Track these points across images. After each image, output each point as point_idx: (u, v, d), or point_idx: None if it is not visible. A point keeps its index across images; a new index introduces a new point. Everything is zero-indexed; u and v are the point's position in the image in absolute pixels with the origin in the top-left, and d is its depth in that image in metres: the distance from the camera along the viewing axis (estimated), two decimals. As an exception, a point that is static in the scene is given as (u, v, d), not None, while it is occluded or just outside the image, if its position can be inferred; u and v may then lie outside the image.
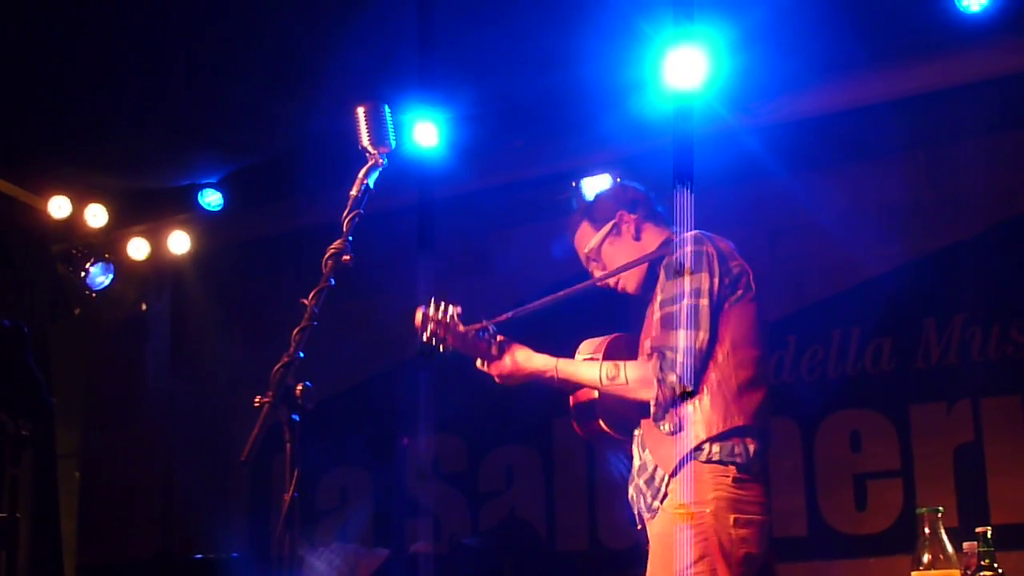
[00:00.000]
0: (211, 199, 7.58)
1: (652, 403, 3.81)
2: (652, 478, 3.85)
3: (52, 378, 7.23)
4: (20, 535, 4.60)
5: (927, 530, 3.30)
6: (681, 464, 3.75)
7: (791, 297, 6.63)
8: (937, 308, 6.28)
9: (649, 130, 6.24)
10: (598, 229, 4.18)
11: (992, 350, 6.13)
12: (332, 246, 2.97)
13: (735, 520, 3.73)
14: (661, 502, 3.81)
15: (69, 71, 6.32)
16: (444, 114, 6.62)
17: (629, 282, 4.15)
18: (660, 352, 3.78)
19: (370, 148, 3.18)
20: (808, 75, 6.10)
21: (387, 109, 3.23)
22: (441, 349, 3.93)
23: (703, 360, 3.77)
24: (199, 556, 7.31)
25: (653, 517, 3.84)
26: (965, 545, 3.51)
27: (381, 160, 3.18)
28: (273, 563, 2.77)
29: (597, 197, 4.36)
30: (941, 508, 3.34)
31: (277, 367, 2.79)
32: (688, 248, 3.87)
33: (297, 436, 2.80)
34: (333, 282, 2.97)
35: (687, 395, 3.74)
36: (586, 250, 4.22)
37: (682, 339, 3.75)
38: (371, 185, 3.16)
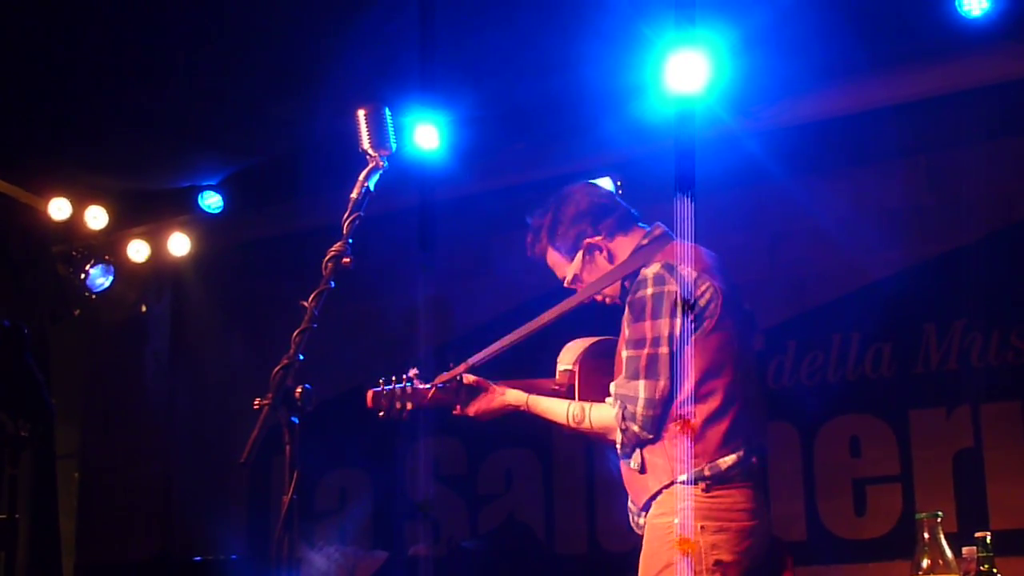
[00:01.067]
0: (211, 201, 7.58)
1: (617, 445, 3.90)
2: (641, 469, 3.91)
3: (52, 379, 7.24)
4: (19, 536, 4.60)
5: (926, 535, 3.30)
6: (649, 501, 3.87)
7: (791, 302, 6.63)
8: (937, 313, 6.28)
9: (650, 134, 6.24)
10: (569, 259, 4.13)
11: (992, 356, 6.12)
12: (332, 248, 2.97)
13: (702, 528, 3.74)
14: (644, 518, 3.91)
15: (70, 73, 6.32)
16: (445, 117, 6.62)
17: (609, 298, 4.16)
18: (622, 402, 3.83)
19: (371, 151, 3.18)
20: (810, 79, 6.11)
21: (388, 112, 3.23)
22: (404, 418, 4.08)
23: (664, 407, 3.80)
24: (198, 558, 7.31)
25: (642, 532, 3.92)
26: (964, 550, 3.50)
27: (382, 163, 3.18)
28: (272, 565, 2.76)
29: (556, 218, 4.15)
30: (940, 513, 3.33)
31: (277, 369, 2.79)
32: (648, 291, 3.85)
33: (296, 438, 2.80)
34: (333, 284, 2.97)
35: (648, 442, 3.82)
36: (566, 277, 4.18)
37: (642, 390, 3.79)
38: (371, 188, 3.16)
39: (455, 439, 7.53)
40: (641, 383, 3.79)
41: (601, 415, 3.93)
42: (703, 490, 3.77)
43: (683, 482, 3.78)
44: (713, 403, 3.83)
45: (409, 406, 4.09)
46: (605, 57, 5.92)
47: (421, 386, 4.13)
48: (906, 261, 6.38)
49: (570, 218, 4.11)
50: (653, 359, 3.80)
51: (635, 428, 3.80)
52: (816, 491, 6.50)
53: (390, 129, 3.22)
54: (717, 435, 3.82)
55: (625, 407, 3.82)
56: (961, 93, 6.12)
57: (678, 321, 3.81)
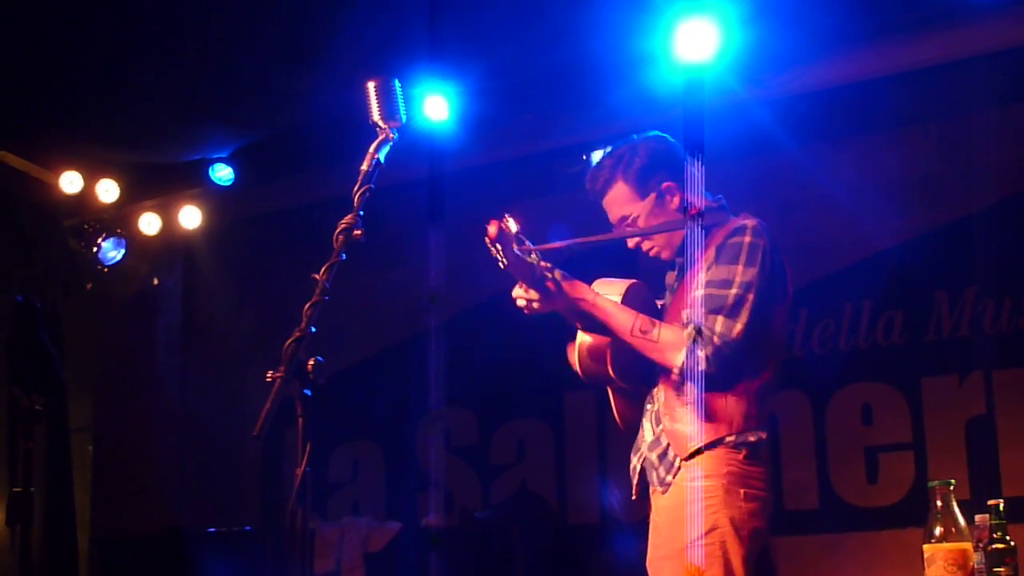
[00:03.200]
0: (222, 173, 7.58)
1: (675, 370, 3.78)
2: (665, 454, 3.87)
3: (64, 353, 7.24)
4: (34, 509, 4.62)
5: (939, 503, 3.30)
6: (694, 453, 3.79)
7: (802, 270, 6.59)
8: (949, 281, 6.27)
9: (660, 103, 6.22)
10: (641, 196, 4.05)
11: (1004, 323, 6.12)
12: (343, 221, 2.97)
13: (744, 494, 3.76)
14: (674, 476, 3.84)
15: (80, 46, 6.32)
16: (454, 87, 6.61)
17: (665, 249, 4.10)
18: (698, 328, 3.76)
19: (381, 123, 3.17)
20: (820, 47, 6.08)
21: (397, 84, 3.23)
22: (502, 266, 3.81)
23: (734, 351, 3.75)
24: (212, 529, 7.34)
25: (666, 491, 3.86)
26: (977, 518, 3.51)
27: (392, 135, 3.17)
28: (285, 536, 2.77)
29: (637, 153, 4.10)
30: (953, 481, 3.34)
31: (289, 342, 2.79)
32: (747, 239, 3.85)
33: (309, 411, 2.80)
34: (344, 257, 2.97)
35: (712, 384, 3.75)
36: (625, 216, 4.09)
37: (720, 325, 3.74)
38: (382, 160, 3.16)
39: (467, 410, 7.56)
40: (720, 319, 3.75)
41: (671, 334, 3.80)
42: (744, 457, 3.78)
43: (730, 443, 3.78)
44: (768, 373, 3.88)
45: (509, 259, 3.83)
46: (614, 26, 5.90)
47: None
48: (917, 229, 6.37)
49: (652, 158, 4.08)
50: (740, 300, 3.77)
51: (703, 354, 3.72)
52: (828, 459, 6.51)
53: (400, 101, 3.21)
54: (764, 405, 3.86)
55: (701, 332, 3.75)
56: (971, 59, 6.09)
57: (766, 279, 3.83)
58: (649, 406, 4.00)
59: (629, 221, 4.06)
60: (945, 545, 3.25)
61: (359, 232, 3.00)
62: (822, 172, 6.42)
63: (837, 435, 6.50)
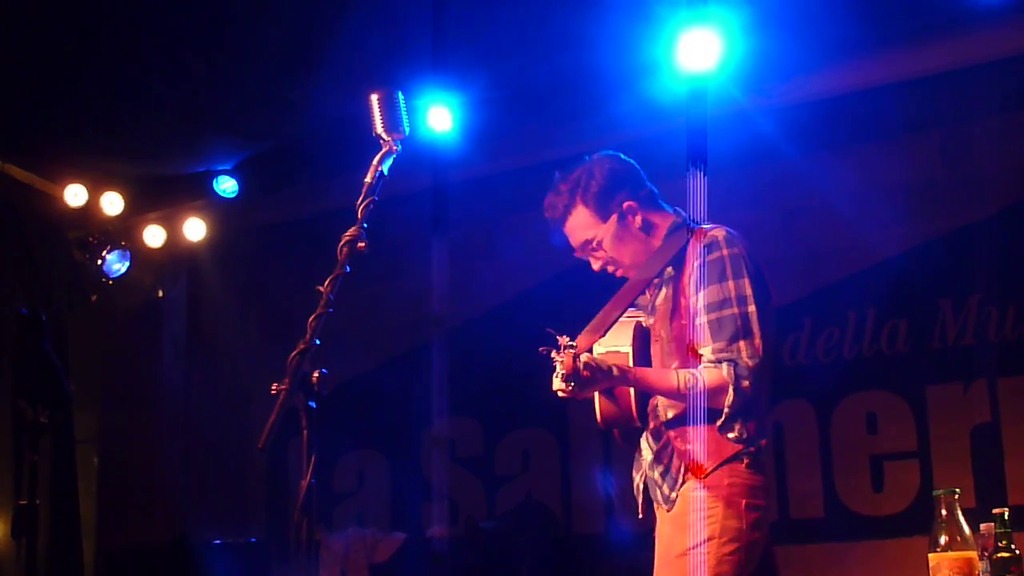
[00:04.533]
0: (226, 185, 7.59)
1: (725, 410, 3.73)
2: (668, 470, 3.85)
3: (69, 365, 7.26)
4: (40, 521, 4.62)
5: (944, 511, 3.30)
6: (712, 470, 3.77)
7: (806, 279, 6.62)
8: (953, 289, 6.27)
9: (662, 112, 6.23)
10: (603, 219, 4.00)
11: (1008, 330, 6.11)
12: (347, 233, 2.98)
13: (746, 505, 3.74)
14: (678, 491, 3.83)
15: (84, 59, 6.33)
16: (458, 98, 6.62)
17: (631, 269, 4.02)
18: (732, 362, 3.73)
19: (384, 135, 3.18)
20: (822, 56, 6.09)
21: (401, 96, 3.24)
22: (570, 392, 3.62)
23: (762, 369, 3.76)
24: (217, 541, 7.34)
25: (671, 508, 3.83)
26: (982, 526, 3.51)
27: (395, 147, 3.18)
28: (291, 547, 2.78)
29: (594, 176, 4.04)
30: (958, 489, 3.33)
31: (293, 354, 2.80)
32: (724, 251, 3.82)
33: (314, 422, 2.81)
34: (348, 269, 2.97)
35: (747, 401, 3.74)
36: (588, 240, 4.04)
37: (746, 350, 3.73)
38: (385, 172, 3.16)
39: (472, 420, 7.55)
40: (743, 344, 3.74)
41: (712, 376, 3.73)
42: (747, 466, 3.76)
43: (739, 453, 3.76)
44: (768, 379, 3.86)
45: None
46: (617, 36, 5.91)
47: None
48: (920, 236, 6.37)
49: (609, 179, 4.04)
50: (746, 318, 3.76)
51: (747, 384, 3.70)
52: (833, 468, 6.50)
53: (403, 113, 3.23)
54: (767, 412, 3.87)
55: (736, 366, 3.72)
56: (973, 67, 6.10)
57: (756, 286, 3.81)
58: (652, 423, 3.95)
59: (593, 245, 4.03)
60: (950, 554, 3.24)
61: (363, 244, 3.00)
62: (824, 180, 6.42)
63: (842, 444, 6.50)
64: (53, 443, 7.29)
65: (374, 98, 3.19)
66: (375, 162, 3.14)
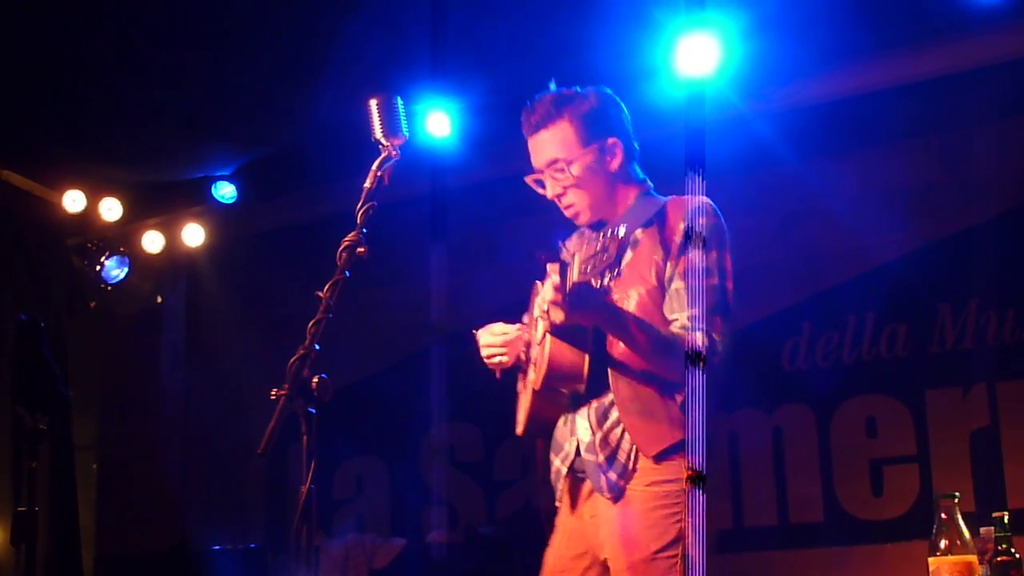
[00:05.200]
0: (225, 191, 7.60)
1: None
2: (615, 453, 3.55)
3: (68, 371, 7.26)
4: (39, 528, 4.62)
5: (944, 515, 3.29)
6: (666, 451, 3.51)
7: (805, 283, 6.62)
8: (951, 293, 6.27)
9: (661, 117, 6.21)
10: (583, 143, 3.69)
11: (1007, 334, 6.12)
12: (346, 238, 2.98)
13: (706, 500, 3.49)
14: (628, 481, 3.54)
15: (82, 65, 6.33)
16: (456, 104, 6.62)
17: (585, 212, 3.75)
18: (708, 333, 3.50)
19: (383, 140, 3.18)
20: (820, 61, 6.10)
21: (400, 101, 3.24)
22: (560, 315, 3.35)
23: (727, 348, 3.57)
24: (217, 547, 7.33)
25: (616, 498, 3.54)
26: (982, 530, 3.51)
27: (394, 152, 3.18)
28: (290, 553, 2.77)
29: (588, 100, 3.79)
30: (958, 493, 3.33)
31: (293, 359, 2.80)
32: (714, 220, 3.63)
33: (313, 428, 2.81)
34: (348, 274, 2.97)
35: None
36: (558, 159, 3.72)
37: (720, 325, 3.54)
38: (384, 177, 3.16)
39: (472, 425, 7.55)
40: (719, 318, 3.54)
41: (686, 342, 3.48)
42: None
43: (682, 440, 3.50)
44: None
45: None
46: (615, 41, 5.91)
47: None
48: (919, 241, 6.37)
49: (604, 108, 3.80)
50: (725, 293, 3.58)
51: (716, 362, 3.50)
52: (833, 472, 6.50)
53: (402, 118, 3.23)
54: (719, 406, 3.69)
55: (711, 338, 3.49)
56: (971, 72, 6.11)
57: (732, 260, 3.66)
58: (595, 402, 3.61)
59: (560, 165, 3.72)
60: (950, 558, 3.24)
61: (363, 249, 3.00)
62: (823, 185, 6.43)
63: (841, 448, 6.49)
64: (52, 449, 7.29)
65: (373, 103, 3.19)
66: (374, 167, 3.14)
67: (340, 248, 2.96)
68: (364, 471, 7.89)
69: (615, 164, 3.75)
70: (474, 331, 3.91)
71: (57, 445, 7.45)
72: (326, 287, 2.92)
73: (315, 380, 2.80)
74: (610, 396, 3.58)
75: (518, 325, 3.90)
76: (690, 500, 3.44)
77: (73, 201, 7.64)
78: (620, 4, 5.69)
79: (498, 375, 3.94)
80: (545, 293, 3.33)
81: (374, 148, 3.21)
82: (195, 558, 7.31)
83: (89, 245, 8.00)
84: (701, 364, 3.49)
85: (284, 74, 6.46)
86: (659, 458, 3.52)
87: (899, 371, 6.39)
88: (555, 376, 3.58)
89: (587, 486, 3.67)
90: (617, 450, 3.57)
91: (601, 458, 3.57)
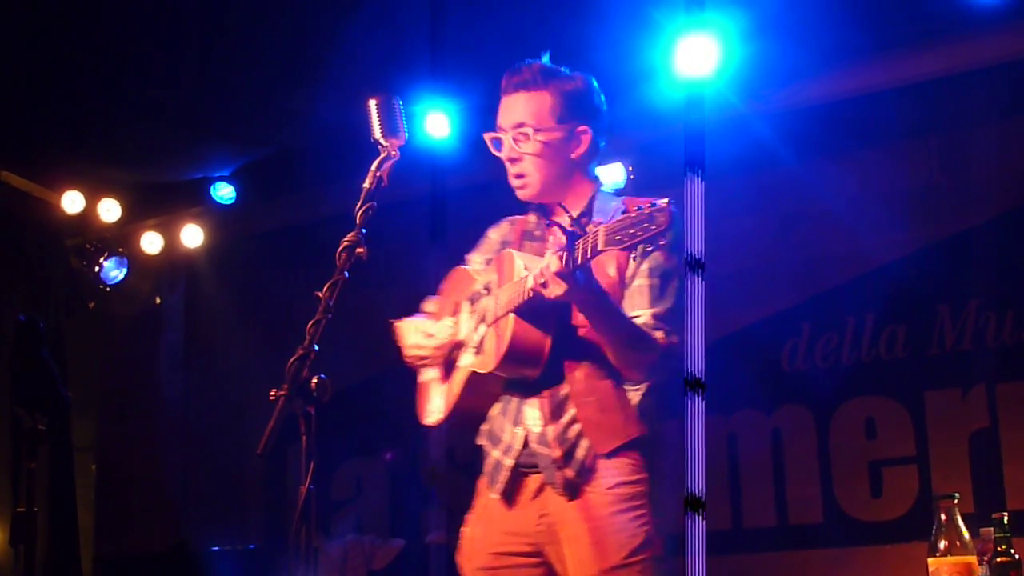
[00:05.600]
0: (224, 192, 7.60)
1: (646, 381, 3.45)
2: (574, 448, 3.41)
3: (67, 372, 7.26)
4: (38, 529, 4.62)
5: (943, 516, 3.29)
6: (621, 448, 3.40)
7: (804, 284, 6.62)
8: (951, 294, 6.27)
9: (660, 118, 6.23)
10: (557, 120, 3.61)
11: (1007, 336, 6.12)
12: (346, 239, 2.97)
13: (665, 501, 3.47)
14: (587, 481, 3.40)
15: (81, 66, 6.33)
16: (456, 105, 6.62)
17: (533, 187, 3.65)
18: (668, 332, 3.41)
19: (382, 140, 3.18)
20: (819, 62, 6.10)
21: (399, 101, 3.23)
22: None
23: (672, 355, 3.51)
24: (215, 548, 7.33)
25: (572, 496, 3.40)
26: (982, 531, 3.51)
27: (394, 152, 3.18)
28: (289, 554, 2.77)
29: (576, 82, 3.71)
30: (957, 494, 3.33)
31: (292, 360, 2.79)
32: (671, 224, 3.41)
33: (313, 429, 2.80)
34: (347, 275, 2.97)
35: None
36: (525, 124, 3.61)
37: (686, 319, 3.58)
38: (384, 177, 3.16)
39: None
40: (684, 315, 3.52)
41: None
42: (641, 454, 3.44)
43: (644, 438, 3.43)
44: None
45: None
46: (615, 42, 5.91)
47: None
48: (918, 242, 6.37)
49: (588, 95, 3.73)
50: (682, 296, 3.51)
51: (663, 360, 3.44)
52: (832, 473, 6.50)
53: (401, 118, 3.22)
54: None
55: (668, 330, 3.41)
56: (971, 73, 6.10)
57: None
58: (547, 393, 3.45)
59: (526, 130, 3.59)
60: (950, 559, 3.24)
61: (362, 250, 3.00)
62: (823, 186, 6.42)
63: (840, 449, 6.49)
64: (51, 450, 7.28)
65: (372, 104, 3.19)
66: (373, 168, 3.13)
67: (339, 249, 2.95)
68: (363, 472, 7.88)
69: (579, 152, 3.65)
70: (392, 321, 3.79)
71: (56, 446, 7.45)
72: (325, 287, 2.92)
73: (314, 380, 2.80)
74: (565, 388, 3.44)
75: (448, 321, 3.74)
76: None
77: (72, 202, 7.64)
78: (620, 5, 5.69)
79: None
80: (550, 264, 3.17)
81: (373, 149, 3.20)
82: (194, 559, 7.30)
83: (88, 246, 8.00)
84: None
85: (283, 75, 6.46)
86: (612, 455, 3.39)
87: (898, 372, 6.39)
88: (513, 358, 3.39)
89: (533, 482, 3.48)
90: (575, 447, 3.41)
91: (558, 453, 3.40)
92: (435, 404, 3.77)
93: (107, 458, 8.47)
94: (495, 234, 3.92)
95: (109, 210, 7.77)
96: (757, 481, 6.64)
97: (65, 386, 5.07)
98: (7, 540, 4.70)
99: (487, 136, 3.72)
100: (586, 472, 3.39)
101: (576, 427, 3.41)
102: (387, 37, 5.99)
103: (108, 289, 8.09)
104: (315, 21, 6.00)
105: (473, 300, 3.67)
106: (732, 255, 6.22)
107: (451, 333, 3.69)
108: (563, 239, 3.20)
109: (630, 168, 6.60)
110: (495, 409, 3.60)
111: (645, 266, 3.47)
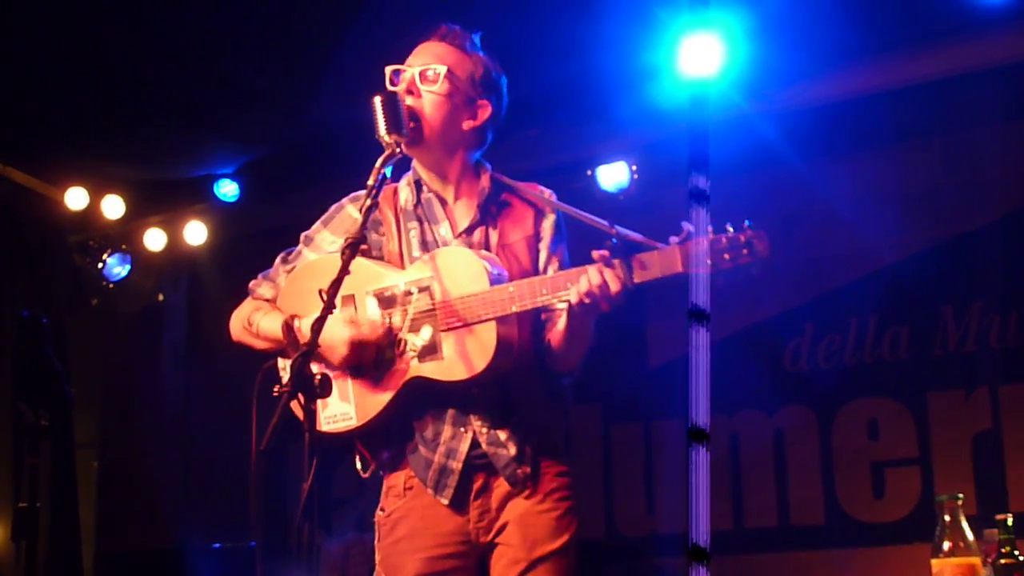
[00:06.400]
0: (227, 189, 7.60)
1: (575, 372, 3.43)
2: (524, 442, 3.38)
3: (70, 369, 7.26)
4: (40, 525, 4.62)
5: (947, 518, 3.28)
6: (553, 446, 3.44)
7: (807, 284, 6.62)
8: (954, 295, 6.26)
9: (665, 117, 6.23)
10: (468, 84, 3.49)
11: (1010, 337, 6.11)
12: (349, 236, 2.97)
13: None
14: (536, 478, 3.40)
15: (85, 63, 6.33)
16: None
17: (427, 135, 3.39)
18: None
19: (387, 137, 3.18)
20: (823, 62, 6.09)
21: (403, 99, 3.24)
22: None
23: None
24: (217, 545, 7.33)
25: (527, 495, 3.38)
26: (985, 532, 3.50)
27: (398, 149, 3.18)
28: (291, 552, 2.77)
29: (496, 71, 3.61)
30: (961, 495, 3.32)
31: (295, 356, 2.79)
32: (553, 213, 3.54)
33: (315, 425, 2.80)
34: (350, 272, 2.96)
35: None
36: (432, 72, 3.44)
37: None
38: (388, 175, 3.16)
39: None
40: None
41: None
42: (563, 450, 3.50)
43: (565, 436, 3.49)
44: None
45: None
46: (619, 41, 5.91)
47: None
48: (922, 243, 6.37)
49: (499, 76, 3.62)
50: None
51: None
52: (834, 474, 6.50)
53: (405, 116, 3.23)
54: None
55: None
56: (976, 74, 6.10)
57: None
58: (492, 392, 3.35)
59: (431, 78, 3.41)
60: (953, 560, 3.23)
61: (366, 247, 2.99)
62: (826, 186, 6.42)
63: (843, 450, 6.49)
64: (53, 447, 7.29)
65: (377, 101, 3.19)
66: (378, 164, 3.13)
67: (343, 245, 2.95)
68: (365, 470, 7.87)
69: (471, 124, 3.49)
70: (294, 316, 3.61)
71: (58, 442, 7.46)
72: (328, 284, 2.91)
73: (317, 377, 2.79)
74: (507, 388, 3.37)
75: (376, 315, 3.45)
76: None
77: (75, 198, 7.64)
78: (624, 4, 5.68)
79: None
80: (609, 283, 3.08)
81: (378, 146, 3.20)
82: (194, 556, 7.30)
83: (91, 242, 8.00)
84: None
85: (287, 72, 6.46)
86: (550, 449, 3.41)
87: (901, 373, 6.38)
88: (497, 365, 3.26)
89: (477, 482, 3.39)
90: (527, 439, 3.37)
91: (513, 451, 3.35)
92: (338, 409, 3.58)
93: (108, 454, 8.47)
94: (354, 209, 3.63)
95: (112, 207, 7.77)
96: (759, 481, 6.63)
97: (67, 382, 5.08)
98: (9, 536, 4.70)
99: (389, 68, 3.48)
100: (537, 469, 3.38)
101: (523, 425, 3.37)
102: (391, 35, 5.98)
103: (111, 286, 8.09)
104: (320, 18, 5.99)
105: (384, 300, 3.43)
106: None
107: (384, 330, 3.40)
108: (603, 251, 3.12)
109: (634, 167, 6.60)
110: (427, 413, 3.43)
111: (558, 256, 3.47)
